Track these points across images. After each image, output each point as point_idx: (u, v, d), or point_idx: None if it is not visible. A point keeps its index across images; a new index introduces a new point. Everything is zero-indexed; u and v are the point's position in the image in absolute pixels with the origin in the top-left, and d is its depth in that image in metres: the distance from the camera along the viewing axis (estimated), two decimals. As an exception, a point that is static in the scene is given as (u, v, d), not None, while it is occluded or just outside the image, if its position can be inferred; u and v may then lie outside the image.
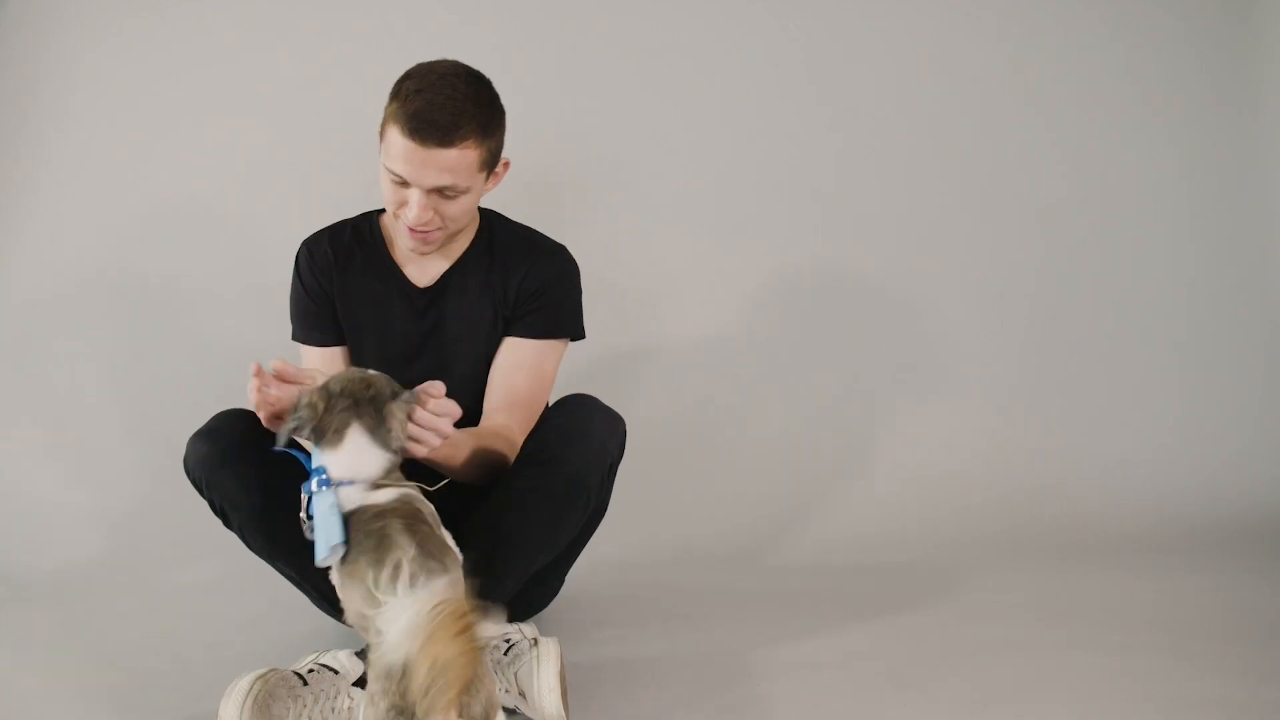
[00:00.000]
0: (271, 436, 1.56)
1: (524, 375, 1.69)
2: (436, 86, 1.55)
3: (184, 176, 2.54)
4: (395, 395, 1.37)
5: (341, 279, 1.76)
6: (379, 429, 1.34)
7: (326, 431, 1.34)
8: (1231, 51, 2.80)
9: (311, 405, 1.35)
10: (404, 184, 1.58)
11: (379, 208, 1.79)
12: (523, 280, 1.73)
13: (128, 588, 2.14)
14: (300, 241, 1.81)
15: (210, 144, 2.54)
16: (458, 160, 1.55)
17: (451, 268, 1.75)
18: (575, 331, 1.77)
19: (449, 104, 1.54)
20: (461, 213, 1.63)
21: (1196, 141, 2.80)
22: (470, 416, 1.77)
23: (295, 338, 1.81)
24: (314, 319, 1.77)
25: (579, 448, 1.51)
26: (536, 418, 1.66)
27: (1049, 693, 1.54)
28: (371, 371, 1.40)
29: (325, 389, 1.37)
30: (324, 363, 1.76)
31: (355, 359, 1.77)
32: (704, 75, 2.69)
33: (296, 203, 2.47)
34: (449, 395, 1.73)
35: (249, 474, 1.48)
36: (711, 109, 2.69)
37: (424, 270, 1.76)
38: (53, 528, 2.36)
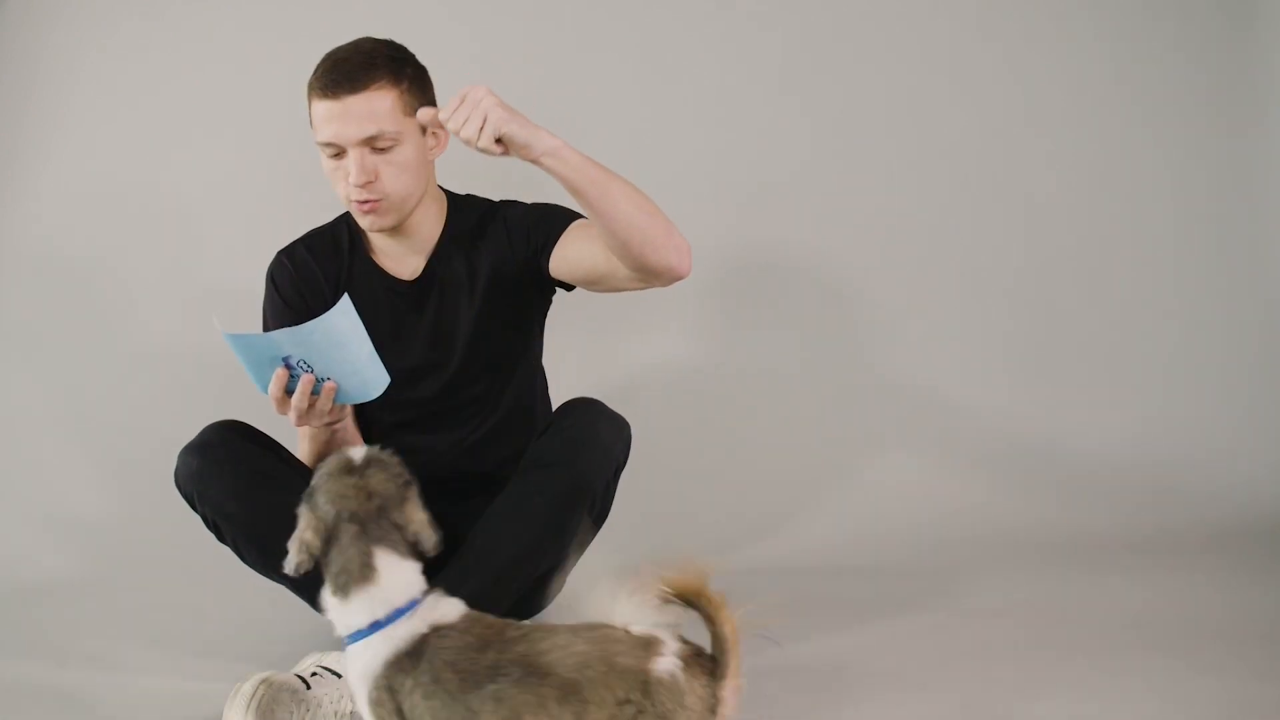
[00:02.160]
0: (265, 448, 1.56)
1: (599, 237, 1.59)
2: (342, 48, 1.61)
3: (183, 178, 2.54)
4: (403, 486, 1.17)
5: (327, 287, 1.74)
6: (403, 541, 1.15)
7: (344, 572, 1.12)
8: (1229, 51, 2.79)
9: (306, 545, 1.13)
10: (339, 154, 1.58)
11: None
12: (508, 230, 1.71)
13: (128, 588, 2.14)
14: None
15: (209, 145, 2.54)
16: (374, 102, 1.55)
17: (432, 256, 1.73)
18: (581, 215, 1.69)
19: (354, 55, 1.59)
20: (402, 171, 1.60)
21: (1194, 142, 2.79)
22: (487, 407, 1.77)
23: None
24: (287, 319, 1.70)
25: (585, 452, 1.51)
26: None
27: (1048, 692, 1.54)
28: (357, 461, 1.17)
29: (316, 518, 1.14)
30: None
31: None
32: (700, 74, 2.68)
33: (297, 205, 2.46)
34: (455, 393, 1.74)
35: (240, 487, 1.48)
36: (706, 107, 2.68)
37: (404, 264, 1.74)
38: (52, 527, 2.37)
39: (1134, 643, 1.76)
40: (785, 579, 2.23)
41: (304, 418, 1.44)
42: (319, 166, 2.49)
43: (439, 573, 1.50)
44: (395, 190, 1.61)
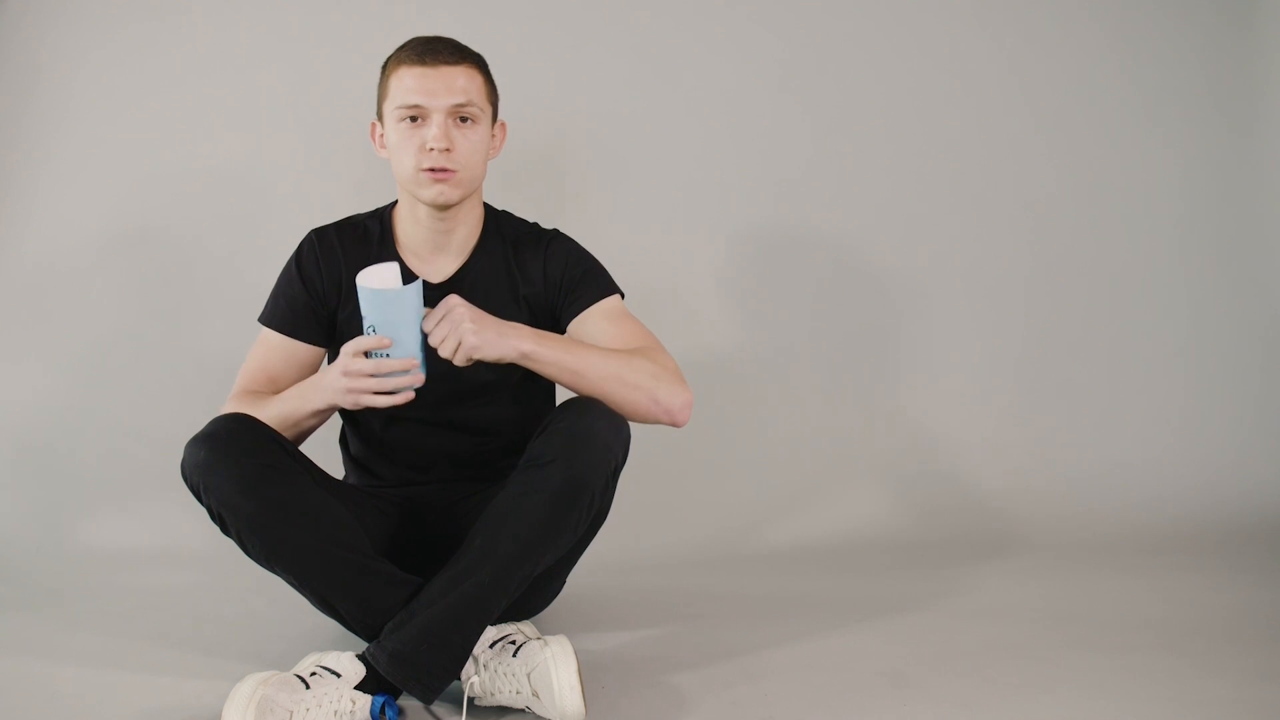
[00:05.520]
0: (272, 441, 1.57)
1: (615, 328, 1.71)
2: (425, 36, 1.70)
3: (183, 178, 2.54)
4: None
5: (348, 276, 1.74)
6: None
7: None
8: (1229, 52, 2.80)
9: None
10: (418, 120, 1.64)
11: (389, 201, 1.80)
12: (544, 269, 1.76)
13: (126, 588, 2.14)
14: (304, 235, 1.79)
15: (210, 146, 2.54)
16: (467, 77, 1.66)
17: (466, 263, 1.76)
18: (617, 289, 1.79)
19: (447, 39, 1.69)
20: (476, 149, 1.68)
21: (1195, 141, 2.80)
22: (489, 426, 1.79)
23: (264, 320, 1.76)
24: (301, 310, 1.74)
25: (583, 451, 1.50)
26: (661, 347, 1.69)
27: (1049, 692, 1.54)
28: None
29: None
30: (284, 357, 1.73)
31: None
32: (701, 74, 2.69)
33: (298, 206, 2.47)
34: (474, 398, 1.76)
35: (246, 479, 1.48)
36: (706, 104, 2.69)
37: (437, 267, 1.75)
38: (52, 527, 2.37)
39: (1137, 643, 1.76)
40: (785, 578, 2.23)
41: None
42: (321, 167, 2.52)
43: (438, 572, 1.51)
44: (465, 165, 1.67)
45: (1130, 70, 2.78)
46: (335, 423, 1.90)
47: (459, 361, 1.51)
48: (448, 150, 1.63)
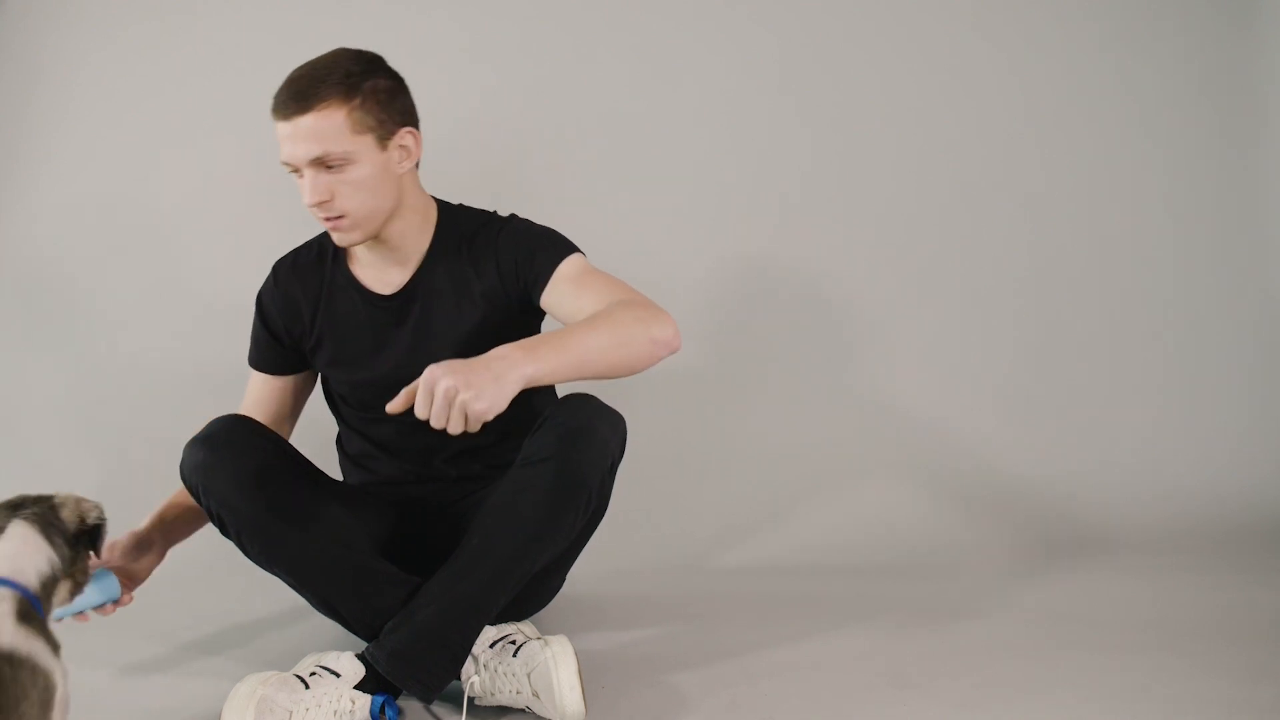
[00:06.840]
0: (271, 442, 1.57)
1: (582, 289, 1.62)
2: (302, 66, 1.59)
3: (183, 180, 2.55)
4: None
5: (306, 307, 1.75)
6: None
7: None
8: (1228, 52, 2.80)
9: None
10: (298, 172, 1.59)
11: None
12: (497, 262, 1.69)
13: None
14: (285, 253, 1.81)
15: (210, 148, 2.54)
16: (319, 123, 1.54)
17: (417, 270, 1.71)
18: (574, 248, 1.70)
19: (305, 74, 1.57)
20: (358, 189, 1.59)
21: (1195, 141, 2.79)
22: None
23: (250, 362, 1.82)
24: (266, 349, 1.79)
25: (580, 446, 1.49)
26: (630, 289, 1.60)
27: (1049, 693, 1.54)
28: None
29: None
30: (268, 392, 1.79)
31: (348, 383, 1.75)
32: (698, 71, 2.69)
33: (297, 207, 2.47)
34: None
35: (245, 480, 1.48)
36: (706, 104, 2.69)
37: (386, 276, 1.72)
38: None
39: (1136, 643, 1.76)
40: (784, 578, 2.23)
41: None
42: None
43: (437, 572, 1.51)
44: (353, 209, 1.60)
45: (1128, 70, 2.78)
46: (333, 424, 1.90)
47: (473, 429, 1.31)
48: (325, 201, 1.58)
